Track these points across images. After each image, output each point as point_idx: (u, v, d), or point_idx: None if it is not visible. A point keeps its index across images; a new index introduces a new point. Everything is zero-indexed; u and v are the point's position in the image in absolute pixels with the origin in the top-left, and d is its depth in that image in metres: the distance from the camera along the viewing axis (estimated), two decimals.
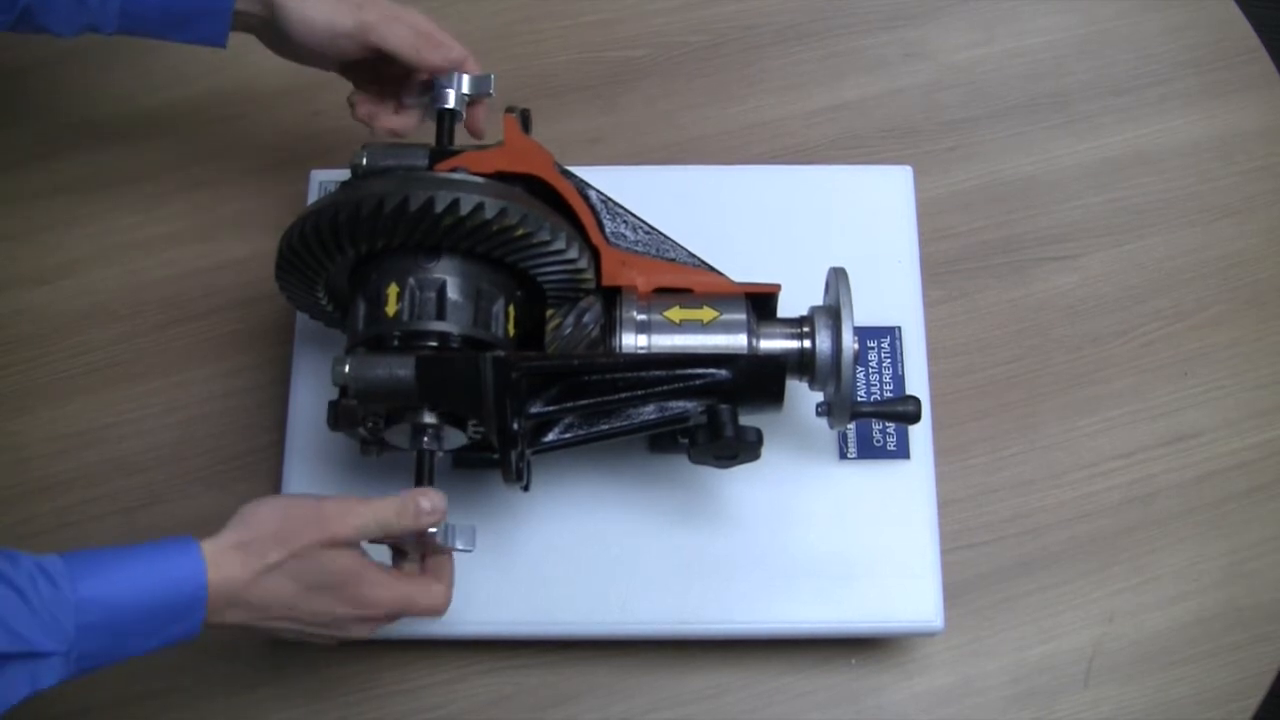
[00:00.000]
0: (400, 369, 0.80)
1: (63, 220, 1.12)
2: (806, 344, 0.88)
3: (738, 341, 0.87)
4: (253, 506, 0.78)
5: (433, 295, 0.82)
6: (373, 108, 0.95)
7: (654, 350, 0.87)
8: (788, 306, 0.91)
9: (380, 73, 0.94)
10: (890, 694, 0.97)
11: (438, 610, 0.82)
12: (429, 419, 0.82)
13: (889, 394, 0.98)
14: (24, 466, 1.03)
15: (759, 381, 0.86)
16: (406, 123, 0.96)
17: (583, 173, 0.92)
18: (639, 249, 0.91)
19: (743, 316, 0.88)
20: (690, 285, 0.90)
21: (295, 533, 0.76)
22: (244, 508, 0.78)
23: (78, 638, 0.69)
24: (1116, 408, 1.05)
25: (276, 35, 0.91)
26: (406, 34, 0.91)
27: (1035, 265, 1.10)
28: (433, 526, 0.80)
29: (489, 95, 0.95)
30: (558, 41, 1.20)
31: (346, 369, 0.80)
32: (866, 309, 0.90)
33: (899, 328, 1.00)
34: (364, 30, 0.90)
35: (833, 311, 0.88)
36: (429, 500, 0.79)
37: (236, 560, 0.75)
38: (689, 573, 0.93)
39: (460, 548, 0.82)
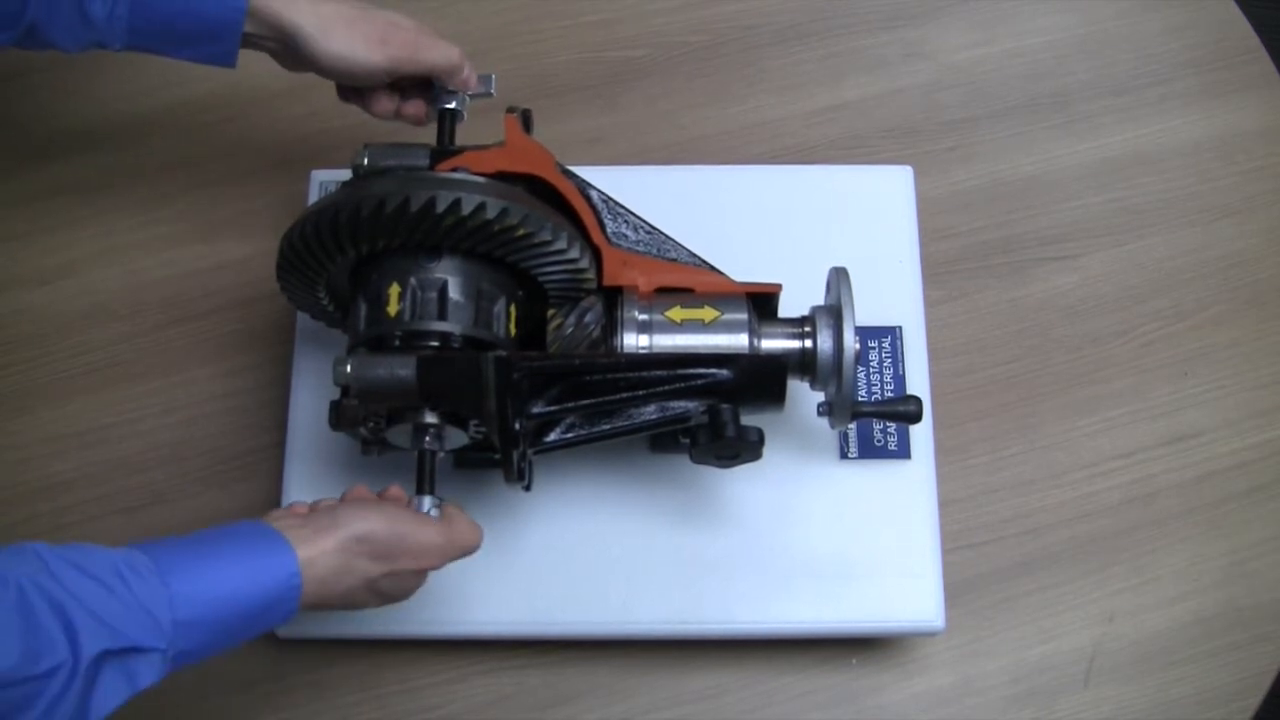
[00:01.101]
0: (401, 369, 0.80)
1: (63, 220, 1.12)
2: (808, 344, 0.88)
3: (739, 341, 0.87)
4: (359, 516, 0.76)
5: (434, 295, 0.82)
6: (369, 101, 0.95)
7: (655, 350, 0.87)
8: (789, 306, 0.91)
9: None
10: (890, 694, 0.97)
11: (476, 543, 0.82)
12: (430, 419, 0.82)
13: (890, 394, 0.98)
14: (24, 466, 1.03)
15: (760, 381, 0.86)
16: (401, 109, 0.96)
17: (583, 172, 0.92)
18: (640, 249, 0.91)
19: (744, 316, 0.88)
20: (691, 285, 0.90)
21: (392, 557, 0.76)
22: (346, 512, 0.76)
23: (175, 635, 0.67)
24: (1116, 408, 1.05)
25: (296, 61, 0.91)
26: (440, 61, 0.91)
27: (1035, 265, 1.10)
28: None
29: (489, 95, 0.95)
30: (558, 41, 1.20)
31: (348, 369, 0.80)
32: (867, 309, 0.90)
33: (899, 328, 1.00)
34: (396, 65, 0.90)
35: (834, 311, 0.88)
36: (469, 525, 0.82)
37: (336, 563, 0.74)
38: (689, 573, 0.93)
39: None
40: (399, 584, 0.79)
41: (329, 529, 0.75)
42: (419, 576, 0.80)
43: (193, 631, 0.68)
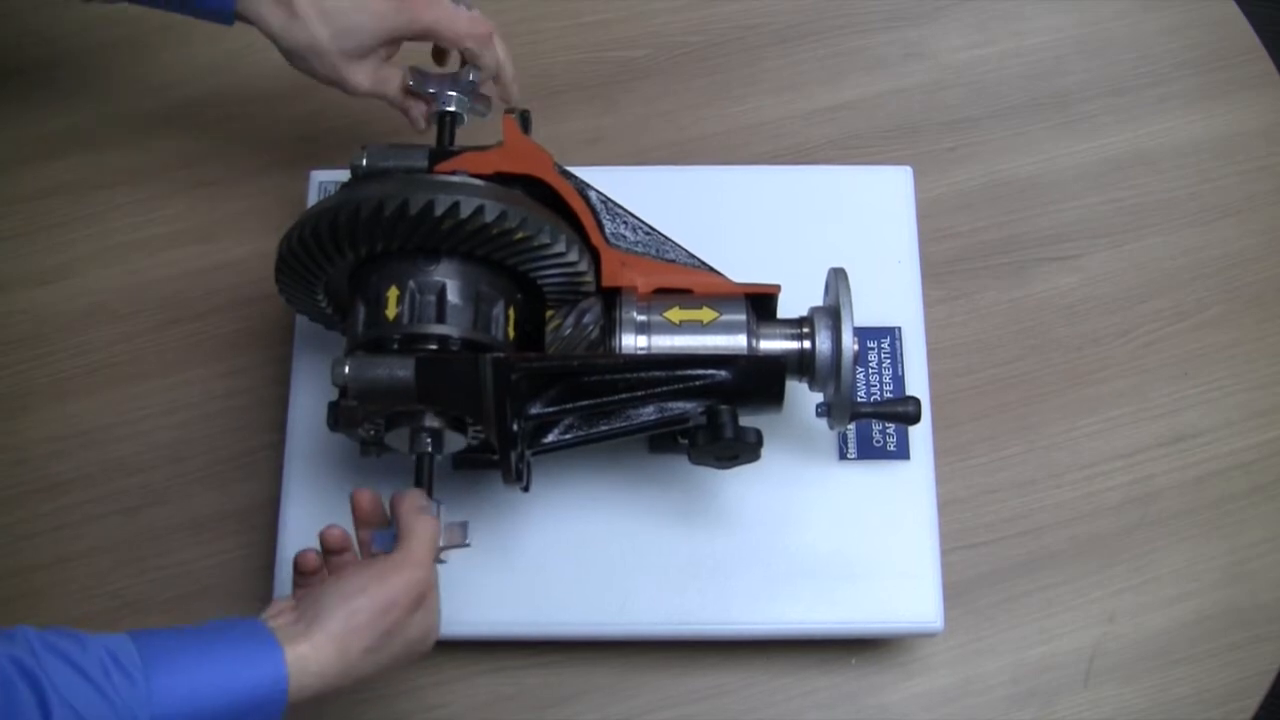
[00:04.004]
0: (400, 369, 0.80)
1: (63, 220, 1.12)
2: (806, 344, 0.88)
3: (737, 342, 0.87)
4: (340, 597, 0.75)
5: (432, 298, 0.82)
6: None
7: (654, 351, 0.87)
8: (788, 307, 0.91)
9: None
10: (890, 694, 0.97)
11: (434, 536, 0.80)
12: (429, 423, 0.82)
13: (889, 394, 0.98)
14: (24, 466, 1.04)
15: (759, 382, 0.86)
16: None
17: (582, 173, 0.92)
18: (639, 249, 0.91)
19: (742, 317, 0.88)
20: (690, 286, 0.90)
21: (386, 617, 0.75)
22: (328, 598, 0.75)
23: None
24: (1116, 408, 1.05)
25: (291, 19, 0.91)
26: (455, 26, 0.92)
27: (1035, 265, 1.10)
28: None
29: (483, 116, 0.95)
30: (558, 41, 1.20)
31: (346, 370, 0.80)
32: (866, 309, 0.90)
33: (899, 328, 1.00)
34: (399, 25, 0.91)
35: (833, 312, 0.88)
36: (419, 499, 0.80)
37: (330, 655, 0.73)
38: (689, 573, 0.93)
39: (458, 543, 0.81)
40: (406, 633, 0.77)
41: (315, 622, 0.73)
42: (421, 613, 0.78)
43: None
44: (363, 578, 0.76)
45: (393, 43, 0.93)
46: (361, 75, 0.92)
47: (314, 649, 0.72)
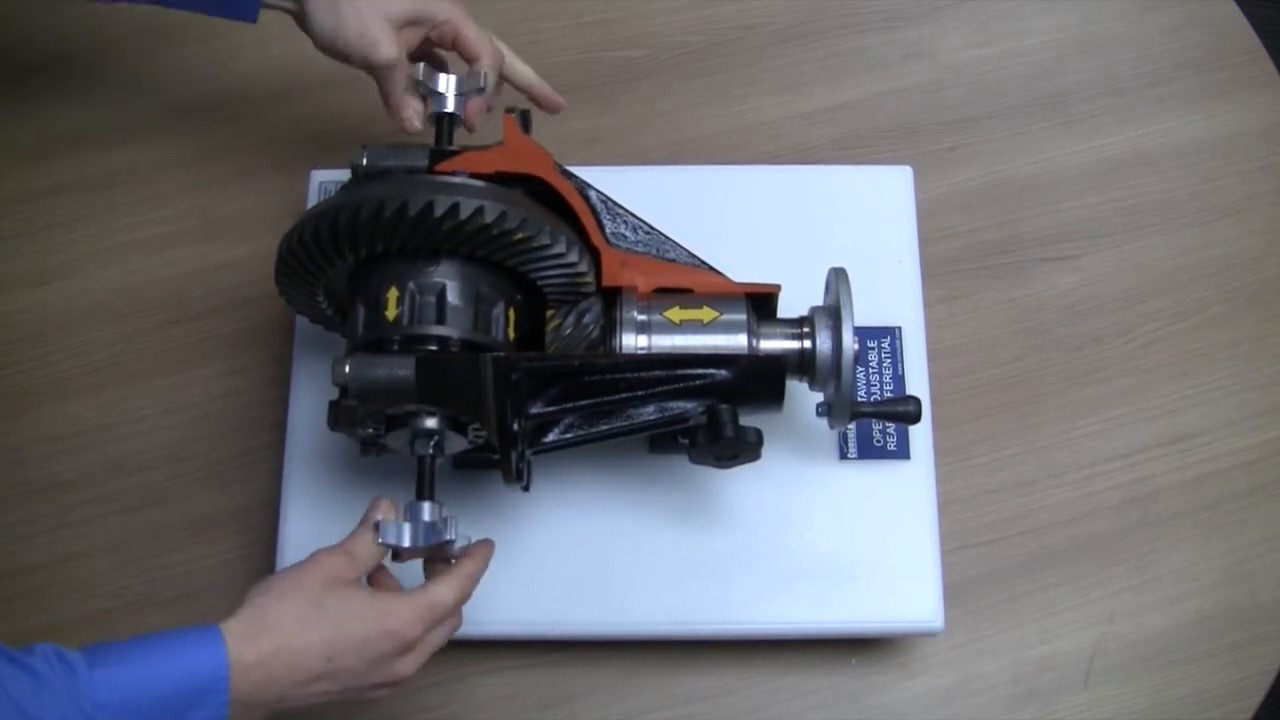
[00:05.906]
0: (400, 369, 0.79)
1: (63, 220, 1.12)
2: (807, 344, 0.88)
3: (738, 342, 0.87)
4: (259, 588, 0.76)
5: (432, 299, 0.82)
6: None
7: (654, 350, 0.87)
8: (788, 307, 0.91)
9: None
10: (890, 694, 0.97)
11: (461, 597, 0.80)
12: (429, 424, 0.81)
13: (889, 394, 0.98)
14: (24, 466, 1.04)
15: (759, 382, 0.86)
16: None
17: (582, 173, 0.92)
18: (639, 249, 0.91)
19: (743, 317, 0.88)
20: (690, 285, 0.90)
21: (295, 583, 0.75)
22: (251, 593, 0.76)
23: (94, 717, 0.67)
24: (1116, 408, 1.05)
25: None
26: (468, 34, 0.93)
27: (1035, 265, 1.10)
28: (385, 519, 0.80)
29: (482, 90, 0.94)
30: (558, 41, 1.20)
31: (346, 369, 0.80)
32: (866, 309, 0.90)
33: (899, 328, 1.00)
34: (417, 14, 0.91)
35: (833, 312, 0.88)
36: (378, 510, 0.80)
37: (258, 636, 0.73)
38: (689, 573, 0.93)
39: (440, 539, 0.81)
40: (365, 654, 0.76)
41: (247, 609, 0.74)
42: (403, 654, 0.77)
43: (114, 714, 0.68)
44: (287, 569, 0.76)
45: (415, 24, 0.92)
46: (389, 39, 0.90)
47: (235, 631, 0.72)
